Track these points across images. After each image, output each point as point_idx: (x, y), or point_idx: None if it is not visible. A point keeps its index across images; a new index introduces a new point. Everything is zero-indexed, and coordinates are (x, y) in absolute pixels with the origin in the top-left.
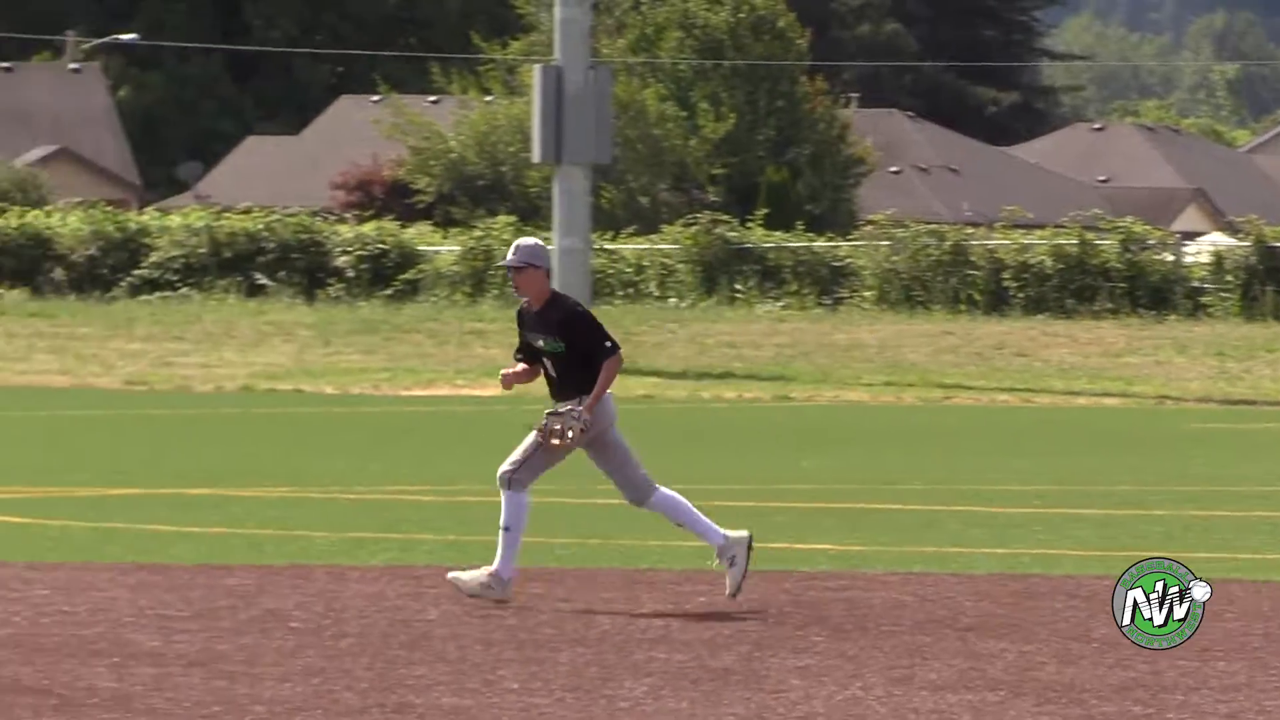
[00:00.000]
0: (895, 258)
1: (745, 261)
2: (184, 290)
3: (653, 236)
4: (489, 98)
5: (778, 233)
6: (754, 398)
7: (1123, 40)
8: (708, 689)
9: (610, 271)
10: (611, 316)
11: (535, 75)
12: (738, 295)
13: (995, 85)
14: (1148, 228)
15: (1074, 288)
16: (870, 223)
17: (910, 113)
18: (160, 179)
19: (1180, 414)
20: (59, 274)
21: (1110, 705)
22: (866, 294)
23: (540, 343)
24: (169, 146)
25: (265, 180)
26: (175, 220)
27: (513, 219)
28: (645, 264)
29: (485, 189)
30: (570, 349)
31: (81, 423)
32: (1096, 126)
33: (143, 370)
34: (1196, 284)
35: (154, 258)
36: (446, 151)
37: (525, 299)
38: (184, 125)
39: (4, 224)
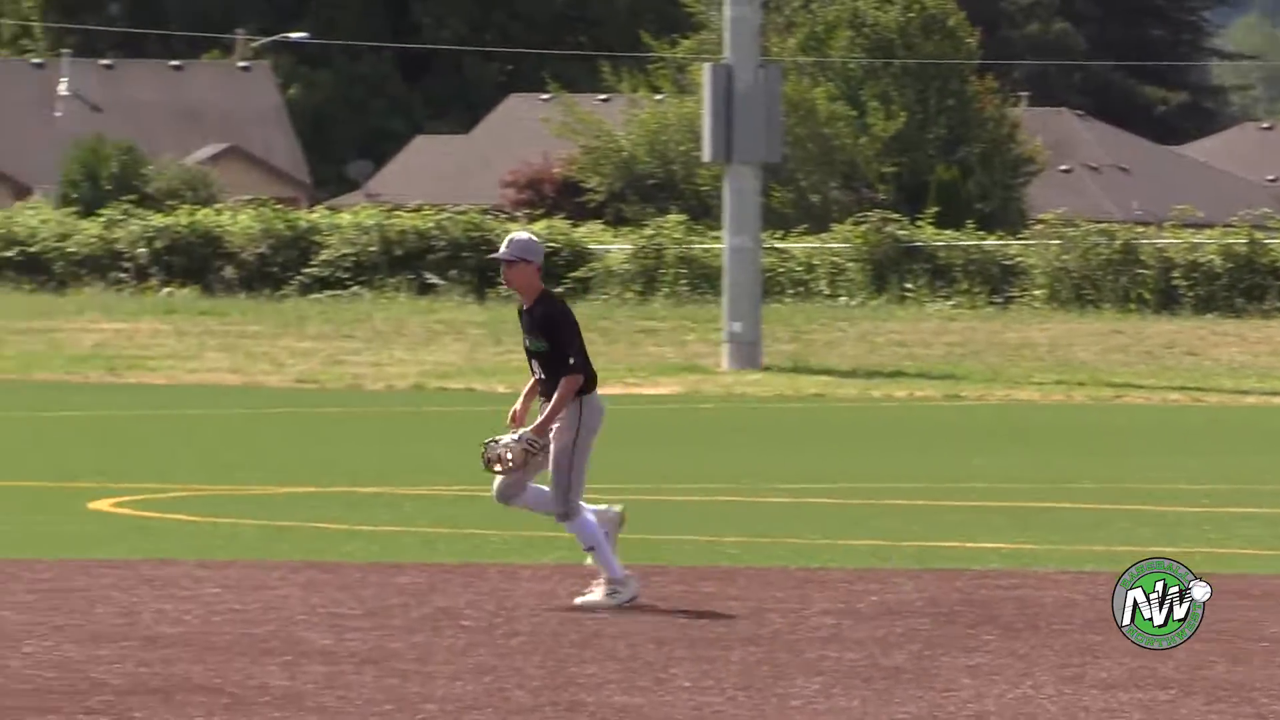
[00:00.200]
0: (1065, 256)
1: (915, 260)
2: (354, 288)
3: (823, 235)
4: (659, 96)
5: (948, 231)
6: (924, 396)
7: None
8: (879, 687)
9: (780, 270)
10: (781, 315)
11: (705, 74)
12: (908, 294)
13: (1164, 85)
14: None
15: (1243, 286)
16: (1040, 221)
17: (1079, 111)
18: (330, 177)
19: None
20: (229, 272)
21: None
22: (1037, 293)
23: (528, 342)
24: (339, 145)
25: (435, 179)
26: (345, 219)
27: (683, 218)
28: (815, 262)
29: (656, 188)
30: (552, 349)
31: (252, 421)
32: (1265, 126)
33: (313, 369)
34: None
35: (324, 256)
36: (617, 150)
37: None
38: (354, 124)
39: (175, 222)
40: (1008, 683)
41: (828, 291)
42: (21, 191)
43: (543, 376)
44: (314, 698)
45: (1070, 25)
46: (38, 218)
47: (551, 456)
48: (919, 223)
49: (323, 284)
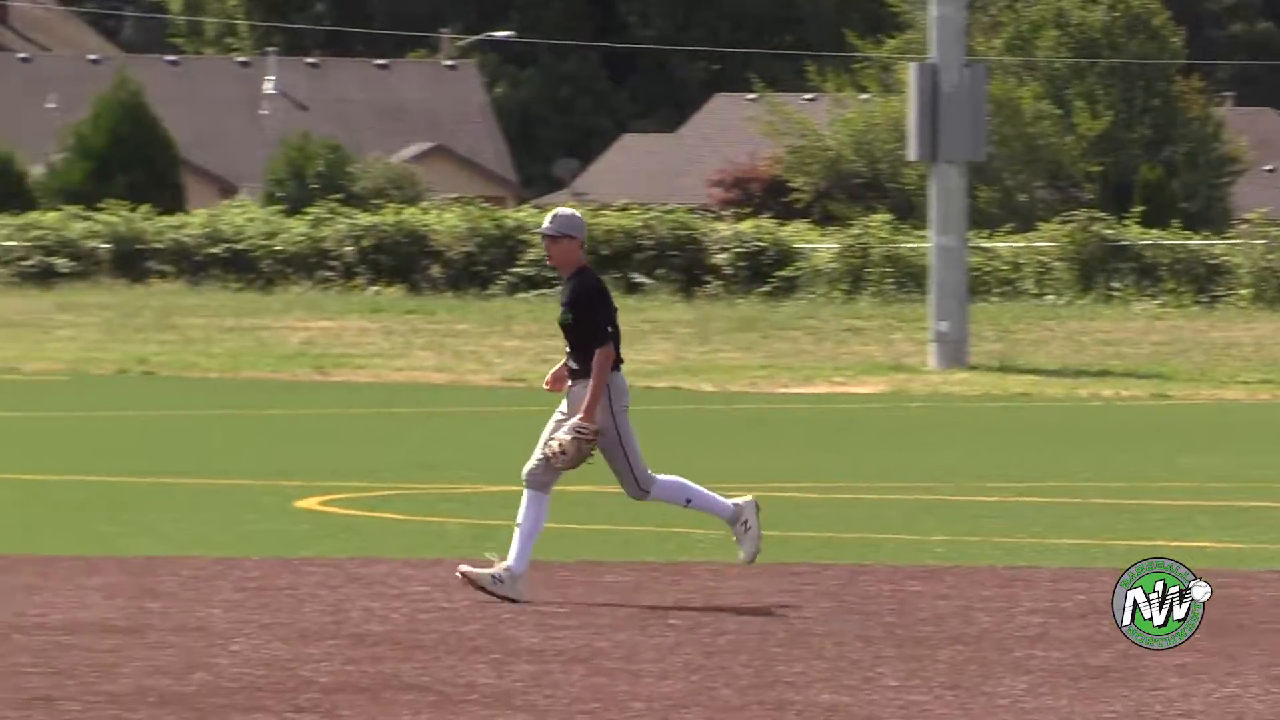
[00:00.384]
0: (1271, 256)
1: (1122, 259)
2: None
3: (1029, 234)
4: (865, 96)
5: (1154, 230)
6: (1131, 396)
7: None
8: (1086, 686)
9: (987, 269)
10: (989, 314)
11: (911, 73)
12: (1114, 293)
13: None
14: None
15: None
16: (1245, 221)
17: None
18: (536, 176)
19: None
20: (435, 271)
21: None
22: (1243, 292)
23: (560, 314)
24: (545, 143)
25: (641, 177)
26: None
27: (889, 217)
28: (1022, 261)
29: (862, 186)
30: (578, 323)
31: (459, 419)
32: None
33: (521, 367)
34: None
35: (531, 255)
36: (823, 149)
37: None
38: (560, 122)
39: (381, 220)
40: (1214, 681)
41: (1034, 290)
42: (228, 190)
43: (569, 350)
44: (521, 695)
45: (1275, 25)
46: (244, 216)
47: (601, 448)
48: (1125, 222)
49: (529, 283)
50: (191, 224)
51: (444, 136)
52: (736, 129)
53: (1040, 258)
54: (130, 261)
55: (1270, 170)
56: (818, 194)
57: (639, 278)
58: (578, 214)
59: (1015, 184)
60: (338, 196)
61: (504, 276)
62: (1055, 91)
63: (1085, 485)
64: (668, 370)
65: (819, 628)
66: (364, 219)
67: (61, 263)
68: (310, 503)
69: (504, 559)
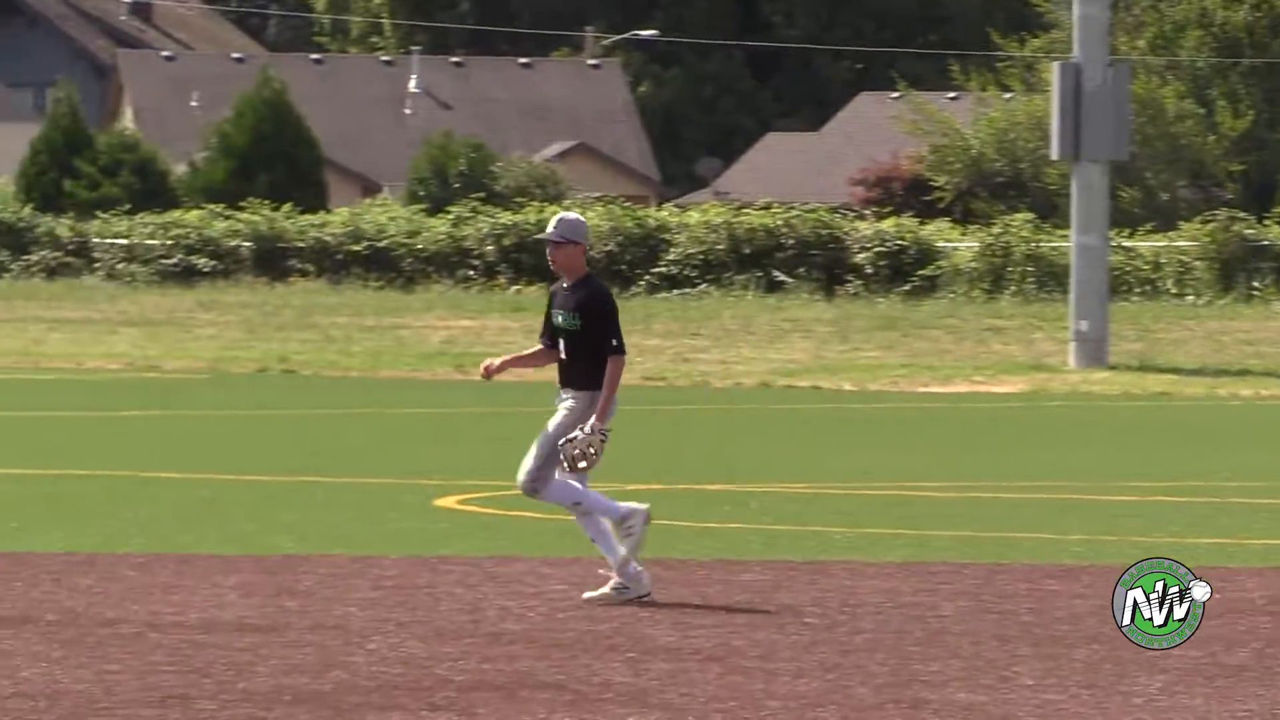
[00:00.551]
0: None
1: (1263, 259)
2: (702, 286)
3: (1170, 234)
4: (1008, 95)
5: None
6: (1271, 395)
7: None
8: (1221, 685)
9: (1127, 269)
10: (1128, 313)
11: (1054, 72)
12: (1254, 292)
13: None
14: None
15: None
16: None
17: None
18: (679, 175)
19: None
20: None
21: None
22: None
23: (560, 319)
24: (688, 142)
25: (784, 176)
26: (694, 217)
27: (1031, 216)
28: (1162, 261)
29: (1004, 185)
30: (584, 331)
31: None
32: None
33: (661, 366)
34: None
35: (672, 254)
36: (965, 148)
37: (560, 277)
38: (703, 121)
39: (523, 219)
40: None
41: (1174, 290)
42: (370, 189)
43: (565, 357)
44: (657, 694)
45: None
46: (386, 215)
47: (549, 432)
48: (1266, 221)
49: (671, 282)
50: (333, 223)
51: (587, 135)
52: (879, 128)
53: (1181, 257)
54: (272, 260)
55: None
56: (959, 193)
57: (780, 276)
58: (582, 219)
59: (1157, 183)
60: (480, 195)
61: (646, 276)
62: (1198, 91)
63: (1223, 485)
64: (808, 369)
65: (956, 626)
66: (506, 218)
67: (203, 261)
68: (449, 501)
69: (608, 570)
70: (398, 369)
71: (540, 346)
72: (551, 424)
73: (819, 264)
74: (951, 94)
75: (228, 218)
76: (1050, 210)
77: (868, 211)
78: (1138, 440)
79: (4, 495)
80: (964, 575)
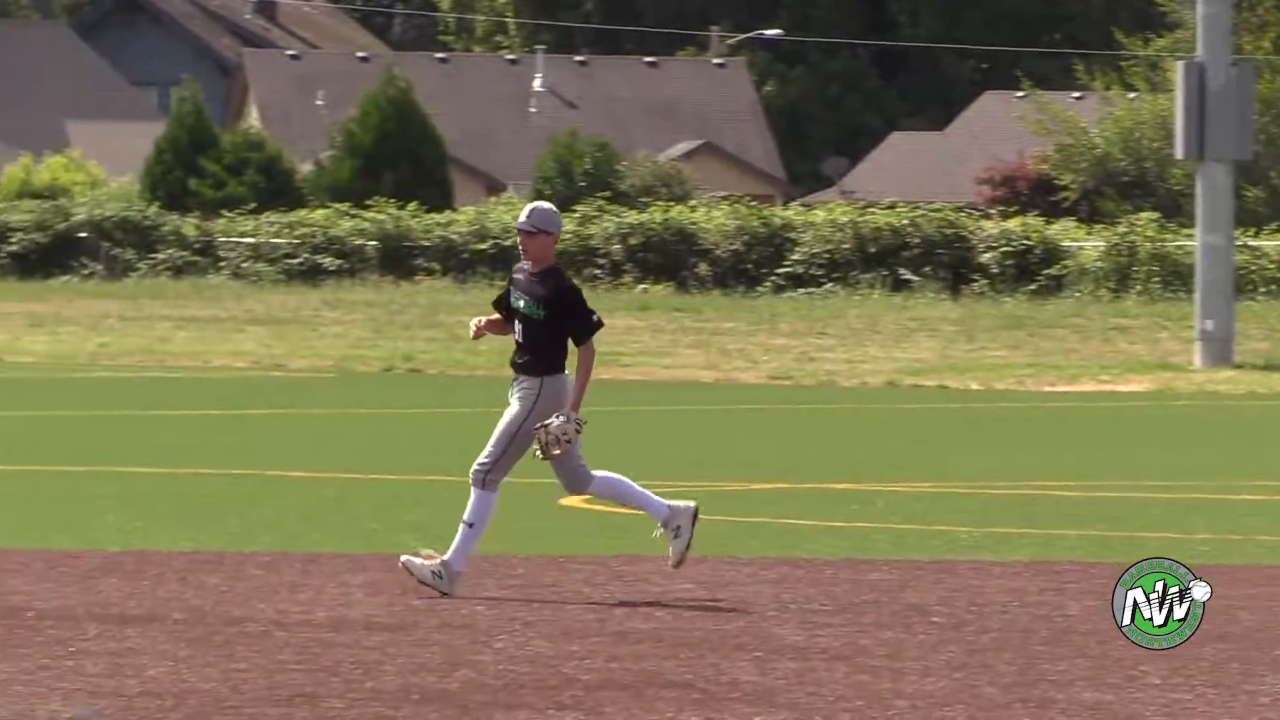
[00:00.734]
0: None
1: None
2: (828, 285)
3: None
4: (1132, 94)
5: None
6: None
7: None
8: None
9: (1252, 268)
10: (1254, 312)
11: (1178, 71)
12: None
13: None
14: None
15: None
16: None
17: None
18: (805, 174)
19: None
20: (703, 269)
21: None
22: None
23: (521, 304)
24: (814, 142)
25: (909, 176)
26: (820, 215)
27: (1156, 215)
28: None
29: (1129, 185)
30: (548, 320)
31: (726, 417)
32: None
33: (787, 365)
34: None
35: (798, 254)
36: (1090, 148)
37: (525, 261)
38: (829, 120)
39: (649, 219)
40: None
41: None
42: (495, 187)
43: (521, 341)
44: (784, 694)
45: None
46: (511, 214)
47: (503, 422)
48: None
49: (796, 281)
50: (459, 221)
51: (712, 134)
52: (1005, 127)
53: None
54: (397, 259)
55: None
56: (1085, 192)
57: (906, 275)
58: (555, 210)
59: None
60: (605, 194)
61: (771, 275)
62: None
63: None
64: (934, 368)
65: (1082, 625)
66: (632, 217)
67: (328, 260)
68: (575, 501)
69: (443, 554)
70: None
71: (499, 316)
72: (508, 415)
73: (945, 263)
74: (1076, 94)
75: (353, 216)
76: (1175, 209)
77: (993, 211)
78: (1263, 439)
79: (130, 494)
80: (1090, 575)
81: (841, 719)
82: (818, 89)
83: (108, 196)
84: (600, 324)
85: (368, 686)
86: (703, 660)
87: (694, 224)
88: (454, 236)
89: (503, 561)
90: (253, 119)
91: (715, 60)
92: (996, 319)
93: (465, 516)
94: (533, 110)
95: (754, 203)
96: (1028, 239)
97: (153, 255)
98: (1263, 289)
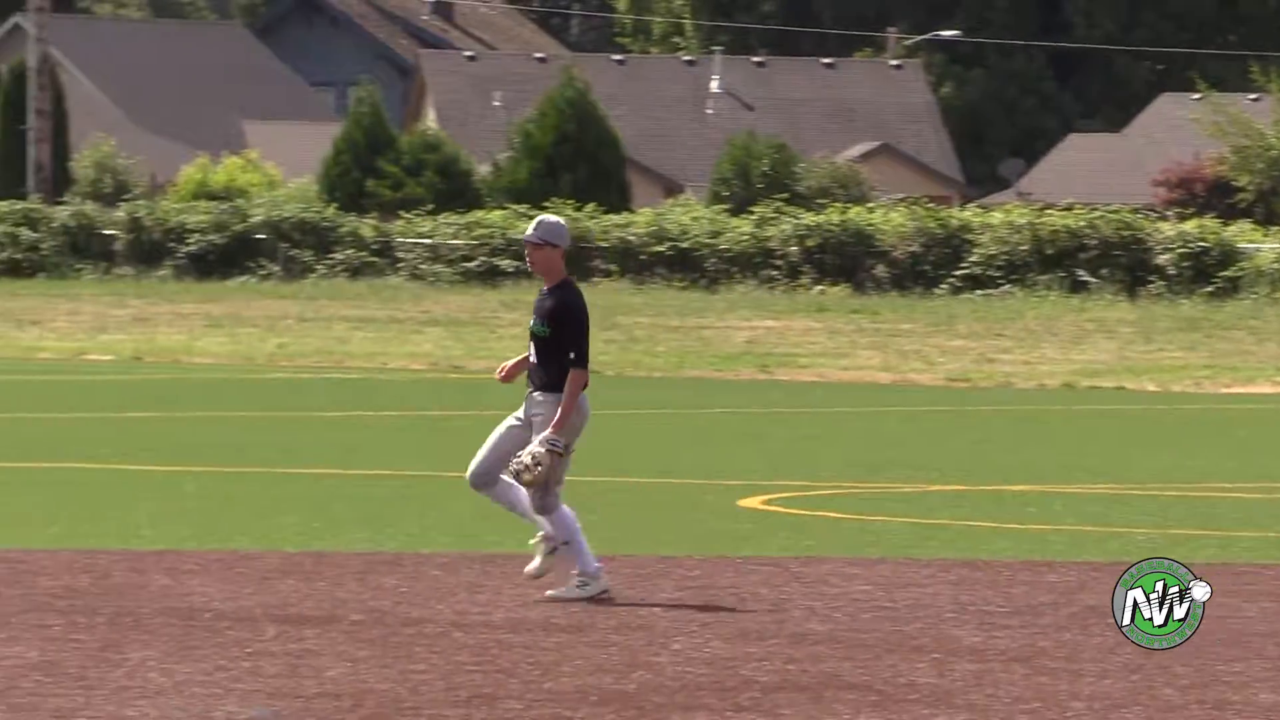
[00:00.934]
0: None
1: None
2: (1005, 287)
3: None
4: None
5: None
6: None
7: None
8: None
9: None
10: None
11: None
12: None
13: None
14: None
15: None
16: None
17: None
18: (982, 176)
19: None
20: (880, 270)
21: None
22: None
23: (533, 324)
24: (991, 143)
25: (1086, 177)
26: (997, 217)
27: None
28: None
29: None
30: (553, 338)
31: (903, 419)
32: None
33: (964, 367)
34: None
35: (975, 255)
36: (1267, 149)
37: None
38: (1006, 122)
39: (826, 220)
40: None
41: None
42: (673, 189)
43: (534, 360)
44: (962, 695)
45: None
46: (689, 215)
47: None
48: None
49: (974, 282)
50: (637, 223)
51: (889, 136)
52: (1181, 129)
53: None
54: (575, 260)
55: None
56: (1261, 194)
57: (1083, 277)
58: (562, 222)
59: None
60: (783, 196)
61: (949, 277)
62: None
63: None
64: (1111, 370)
65: (1260, 627)
66: (809, 219)
67: (506, 262)
68: (753, 502)
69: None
70: (701, 369)
71: (527, 355)
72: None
73: (1122, 265)
74: (1253, 95)
75: (531, 218)
76: None
77: (1170, 213)
78: None
79: (308, 495)
80: (1268, 576)
81: None
82: (994, 90)
83: (285, 197)
84: (579, 362)
85: (545, 687)
86: (880, 662)
87: (871, 225)
88: (632, 238)
89: (680, 562)
90: (430, 120)
91: (892, 61)
92: (1173, 320)
93: (558, 538)
94: (710, 111)
95: (931, 204)
96: (1204, 241)
97: (330, 256)
98: None
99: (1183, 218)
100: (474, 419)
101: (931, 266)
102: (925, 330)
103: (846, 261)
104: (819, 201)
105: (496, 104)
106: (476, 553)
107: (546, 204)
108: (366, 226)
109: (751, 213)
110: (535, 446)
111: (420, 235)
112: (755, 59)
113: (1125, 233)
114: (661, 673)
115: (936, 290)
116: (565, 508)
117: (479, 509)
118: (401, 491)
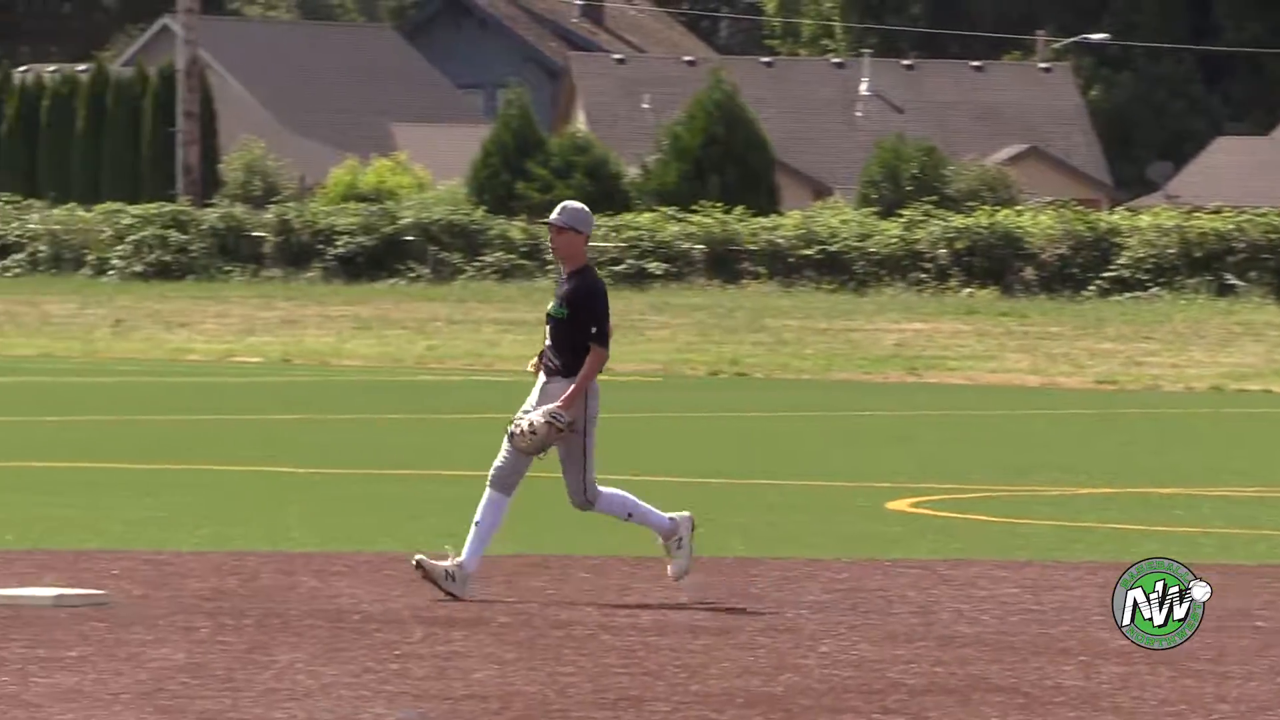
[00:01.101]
0: None
1: None
2: (1153, 290)
3: None
4: None
5: None
6: None
7: None
8: None
9: None
10: None
11: None
12: None
13: None
14: None
15: None
16: None
17: None
18: (1130, 179)
19: None
20: (1029, 273)
21: None
22: None
23: (551, 306)
24: (1139, 146)
25: (1235, 180)
26: (1145, 220)
27: None
28: None
29: None
30: (570, 320)
31: (1051, 422)
32: None
33: (1112, 370)
34: None
35: (1124, 258)
36: None
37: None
38: (1154, 125)
39: (975, 223)
40: None
41: None
42: (821, 191)
43: (549, 343)
44: (1109, 698)
45: None
46: (838, 218)
47: (562, 448)
48: None
49: (1122, 285)
50: (785, 225)
51: (1038, 139)
52: None
53: None
54: (724, 263)
55: None
56: None
57: (1231, 280)
58: (585, 209)
59: None
60: (931, 199)
61: (1097, 280)
62: None
63: None
64: (1259, 373)
65: None
66: (958, 221)
67: (655, 265)
68: (902, 504)
69: (458, 555)
70: (849, 372)
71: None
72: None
73: (1271, 268)
74: None
75: (680, 220)
76: None
77: None
78: None
79: (456, 497)
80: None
81: None
82: (1143, 93)
83: (434, 199)
84: (600, 341)
85: (693, 690)
86: (1027, 665)
87: (1020, 228)
88: (780, 240)
89: (827, 565)
90: (579, 122)
91: (1041, 64)
92: None
93: (623, 519)
94: (859, 114)
95: (1079, 207)
96: None
97: (479, 258)
98: None
99: None
100: (620, 420)
101: (1080, 269)
102: (1073, 333)
103: (995, 264)
104: (968, 204)
105: (645, 106)
106: (624, 556)
107: (695, 207)
108: (515, 229)
109: (900, 215)
110: (537, 415)
111: None
112: (904, 61)
113: (1273, 236)
114: (809, 675)
115: (1084, 293)
116: (607, 489)
117: None
118: (550, 494)
